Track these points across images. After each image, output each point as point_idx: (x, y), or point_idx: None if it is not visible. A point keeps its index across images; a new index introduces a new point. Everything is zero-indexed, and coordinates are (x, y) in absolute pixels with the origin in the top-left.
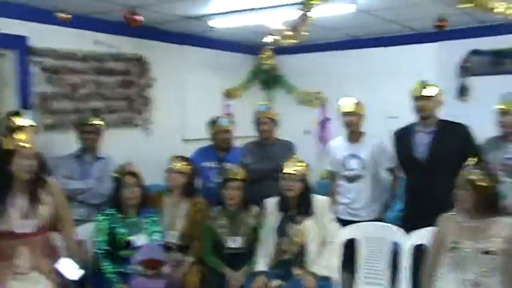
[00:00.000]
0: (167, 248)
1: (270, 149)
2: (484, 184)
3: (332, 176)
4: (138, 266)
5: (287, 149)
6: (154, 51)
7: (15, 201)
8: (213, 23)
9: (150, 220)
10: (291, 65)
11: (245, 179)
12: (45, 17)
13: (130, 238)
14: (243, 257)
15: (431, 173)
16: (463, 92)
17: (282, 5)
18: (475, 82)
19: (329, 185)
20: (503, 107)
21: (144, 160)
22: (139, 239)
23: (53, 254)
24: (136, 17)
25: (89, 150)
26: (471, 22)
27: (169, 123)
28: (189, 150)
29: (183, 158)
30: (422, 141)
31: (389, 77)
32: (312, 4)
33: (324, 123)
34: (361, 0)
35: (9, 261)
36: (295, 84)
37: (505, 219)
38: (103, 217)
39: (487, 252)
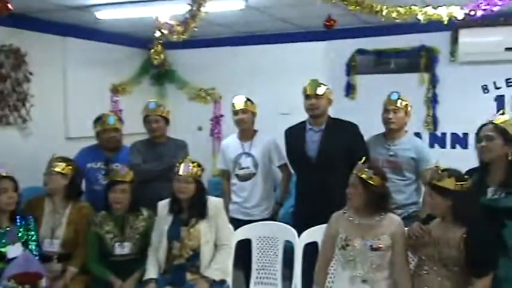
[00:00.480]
0: (47, 257)
1: (160, 149)
2: (374, 183)
3: (225, 175)
4: (9, 282)
5: (179, 148)
6: (32, 43)
7: None
8: (100, 14)
9: (25, 227)
10: (183, 60)
11: (133, 181)
12: None
13: (2, 250)
14: (133, 264)
15: (321, 170)
16: (349, 90)
17: None
18: (361, 80)
19: (222, 184)
20: (386, 105)
21: (21, 161)
22: (13, 250)
23: None
24: (9, 5)
25: None
26: (357, 22)
27: (50, 120)
28: (74, 149)
29: (63, 159)
30: (312, 139)
31: (280, 74)
32: (202, 0)
33: (217, 119)
34: None
35: None
36: (188, 80)
37: (392, 216)
38: None
39: (375, 249)
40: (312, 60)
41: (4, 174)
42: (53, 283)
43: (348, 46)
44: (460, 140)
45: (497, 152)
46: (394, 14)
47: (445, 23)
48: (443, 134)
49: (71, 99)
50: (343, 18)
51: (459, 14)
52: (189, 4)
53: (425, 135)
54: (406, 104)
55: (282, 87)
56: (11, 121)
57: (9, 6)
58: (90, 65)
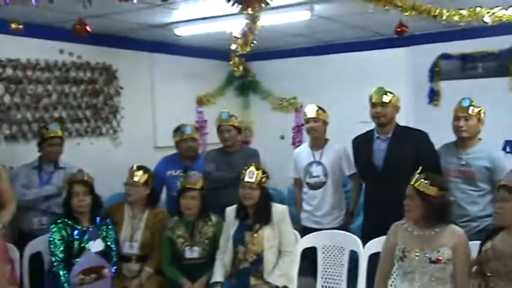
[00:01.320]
0: (126, 258)
1: (233, 157)
2: (431, 194)
3: (297, 183)
4: (77, 277)
5: (251, 157)
6: (121, 60)
7: None
8: (179, 31)
9: (105, 226)
10: (266, 71)
11: (203, 188)
12: (2, 27)
13: (85, 245)
14: (202, 268)
15: (387, 180)
16: (433, 96)
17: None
18: (446, 86)
19: (295, 192)
20: (457, 113)
21: (113, 169)
22: (95, 245)
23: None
24: (87, 27)
25: (49, 161)
26: (440, 26)
27: (139, 131)
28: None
29: (143, 168)
30: (379, 148)
31: (361, 81)
32: (255, 15)
33: (298, 128)
34: (318, 7)
35: None
36: (270, 90)
37: (453, 227)
38: (56, 226)
39: (434, 262)
40: (394, 67)
41: (79, 179)
42: (131, 281)
43: (431, 51)
44: None
45: None
46: (456, 18)
47: None
48: None
49: (159, 110)
50: (424, 22)
51: None
52: (246, 18)
53: None
54: (479, 111)
55: (362, 95)
56: (103, 132)
57: (87, 28)
58: (176, 79)
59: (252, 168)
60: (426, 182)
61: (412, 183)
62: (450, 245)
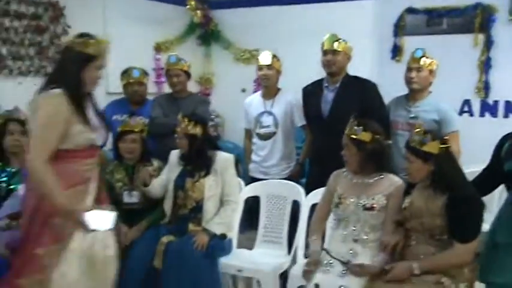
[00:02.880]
0: None
1: (181, 103)
2: (365, 139)
3: (248, 134)
4: (4, 221)
5: (200, 103)
6: None
7: None
8: None
9: None
10: (228, 20)
11: (143, 131)
12: None
13: (14, 187)
14: (140, 213)
15: (333, 131)
16: (396, 52)
17: None
18: (410, 42)
19: (245, 143)
20: (409, 64)
21: None
22: (22, 188)
23: None
24: None
25: None
26: None
27: None
28: None
29: None
30: (327, 98)
31: (326, 33)
32: None
33: (259, 81)
34: None
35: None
36: (233, 40)
37: (392, 177)
38: None
39: (368, 209)
40: (360, 19)
41: (15, 117)
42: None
43: (398, 4)
44: None
45: None
46: None
47: None
48: (496, 102)
49: (111, 54)
50: None
51: None
52: None
53: (476, 103)
54: (431, 62)
55: None
56: (48, 72)
57: None
58: (132, 22)
59: (179, 116)
60: (359, 128)
61: (346, 132)
62: (386, 193)
